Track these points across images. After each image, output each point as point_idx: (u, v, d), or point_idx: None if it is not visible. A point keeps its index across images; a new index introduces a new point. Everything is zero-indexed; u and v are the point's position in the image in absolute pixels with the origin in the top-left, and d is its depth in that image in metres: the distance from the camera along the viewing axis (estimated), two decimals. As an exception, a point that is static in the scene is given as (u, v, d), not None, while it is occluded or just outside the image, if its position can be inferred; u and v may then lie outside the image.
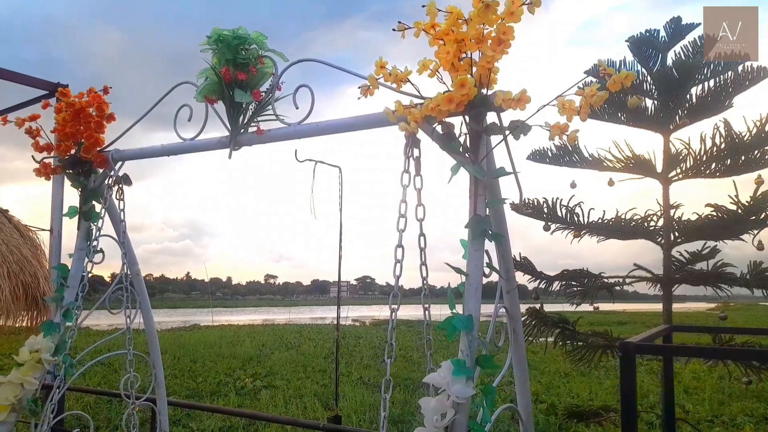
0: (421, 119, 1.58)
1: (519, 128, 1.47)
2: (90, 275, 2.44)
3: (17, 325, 4.87)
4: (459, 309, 1.51)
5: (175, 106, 2.20)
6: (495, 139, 1.60)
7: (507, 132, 1.52)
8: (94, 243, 2.46)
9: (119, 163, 2.43)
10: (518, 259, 2.75)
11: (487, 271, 1.57)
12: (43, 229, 4.92)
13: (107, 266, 2.61)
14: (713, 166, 2.40)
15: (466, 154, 1.58)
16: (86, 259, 2.46)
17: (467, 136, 1.58)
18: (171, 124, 2.23)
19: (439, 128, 1.61)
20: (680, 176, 2.50)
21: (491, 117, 1.57)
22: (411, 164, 1.68)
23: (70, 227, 5.37)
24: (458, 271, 1.53)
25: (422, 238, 1.72)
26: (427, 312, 1.75)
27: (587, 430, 3.17)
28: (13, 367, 2.23)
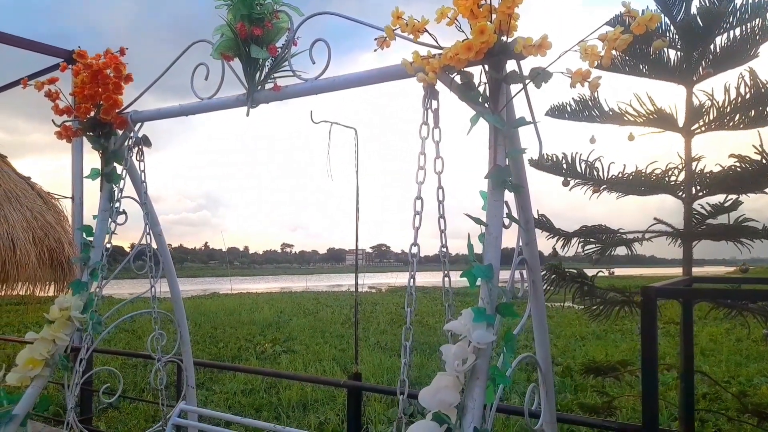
0: (439, 69, 1.56)
1: (540, 75, 1.45)
2: (111, 244, 2.48)
3: (44, 294, 5.01)
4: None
5: (189, 75, 2.20)
6: (515, 88, 1.58)
7: (527, 80, 1.50)
8: (117, 205, 2.50)
9: (138, 125, 2.45)
10: (536, 216, 2.74)
11: (506, 222, 1.57)
12: (65, 197, 5.01)
13: (126, 237, 2.65)
14: (737, 117, 2.34)
15: (486, 104, 1.56)
16: (110, 220, 2.51)
17: (486, 85, 1.56)
18: (186, 94, 2.24)
19: (457, 78, 1.59)
20: (703, 128, 2.44)
21: (511, 66, 1.55)
22: (429, 116, 1.67)
23: (91, 195, 5.46)
24: (478, 221, 1.54)
25: (440, 190, 1.72)
26: (445, 263, 1.77)
27: (603, 387, 3.18)
28: (45, 325, 2.31)
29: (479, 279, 1.49)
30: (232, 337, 16.17)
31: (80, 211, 5.29)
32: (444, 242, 1.75)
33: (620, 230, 2.61)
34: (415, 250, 1.61)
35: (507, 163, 1.57)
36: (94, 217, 2.58)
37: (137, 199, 2.65)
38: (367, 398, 8.30)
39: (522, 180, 1.70)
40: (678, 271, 2.70)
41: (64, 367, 2.34)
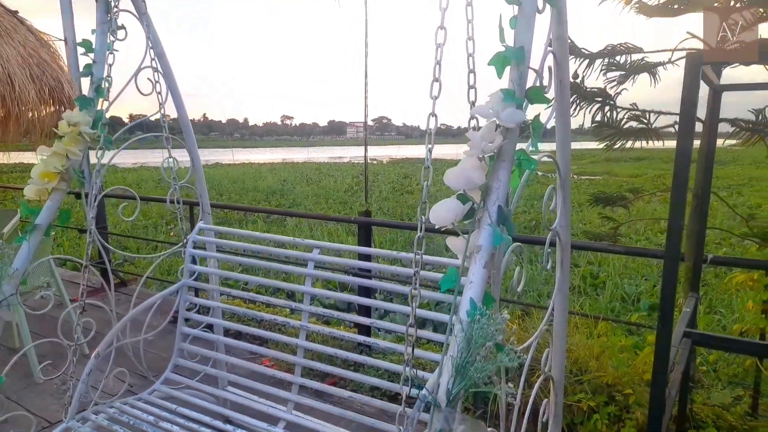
0: None
1: None
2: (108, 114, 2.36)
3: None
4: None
5: None
6: None
7: None
8: (114, 17, 2.36)
9: None
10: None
11: (540, 5, 1.45)
12: (58, 39, 4.75)
13: (124, 108, 2.52)
14: None
15: None
16: (108, 35, 2.38)
17: None
18: None
19: None
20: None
21: None
22: None
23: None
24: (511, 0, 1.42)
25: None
26: (471, 57, 1.67)
27: (612, 213, 3.24)
28: (55, 140, 2.28)
29: (508, 63, 1.41)
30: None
31: (75, 54, 5.04)
32: (471, 35, 1.64)
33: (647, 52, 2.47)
34: (441, 34, 1.50)
35: (545, -67, 1.41)
36: (93, 32, 2.45)
37: (135, 13, 2.50)
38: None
39: (559, -42, 1.55)
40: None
41: (80, 182, 2.35)
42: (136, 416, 2.25)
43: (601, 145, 2.72)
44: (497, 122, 1.38)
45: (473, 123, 1.60)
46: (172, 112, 2.71)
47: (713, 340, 1.91)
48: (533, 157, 1.49)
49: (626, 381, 2.44)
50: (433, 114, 1.52)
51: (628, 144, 2.69)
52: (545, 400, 1.99)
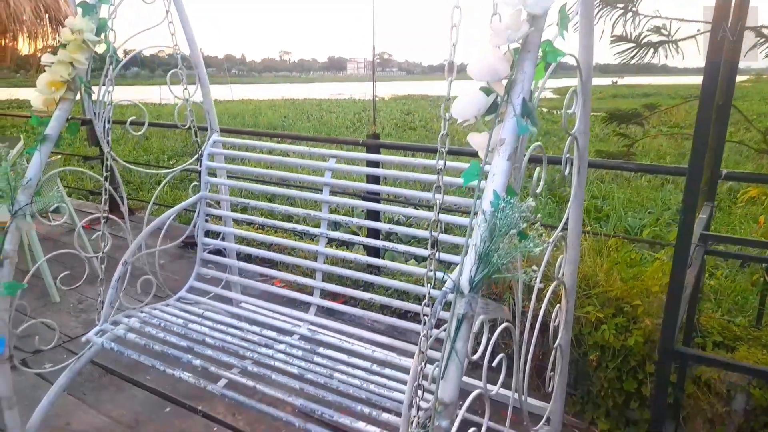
0: None
1: None
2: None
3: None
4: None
5: None
6: None
7: None
8: None
9: None
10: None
11: None
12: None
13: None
14: None
15: None
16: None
17: None
18: None
19: None
20: None
21: None
22: None
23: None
24: None
25: None
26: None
27: (627, 131, 3.15)
28: (59, 48, 2.21)
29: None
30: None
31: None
32: None
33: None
34: None
35: None
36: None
37: None
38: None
39: None
40: (688, 80, 2.45)
41: (87, 93, 2.30)
42: (166, 319, 2.32)
43: (619, 60, 2.65)
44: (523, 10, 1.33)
45: (495, 18, 1.54)
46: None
47: (729, 240, 1.92)
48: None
49: (635, 293, 2.48)
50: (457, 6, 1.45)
51: (647, 58, 2.61)
52: (557, 306, 2.02)
